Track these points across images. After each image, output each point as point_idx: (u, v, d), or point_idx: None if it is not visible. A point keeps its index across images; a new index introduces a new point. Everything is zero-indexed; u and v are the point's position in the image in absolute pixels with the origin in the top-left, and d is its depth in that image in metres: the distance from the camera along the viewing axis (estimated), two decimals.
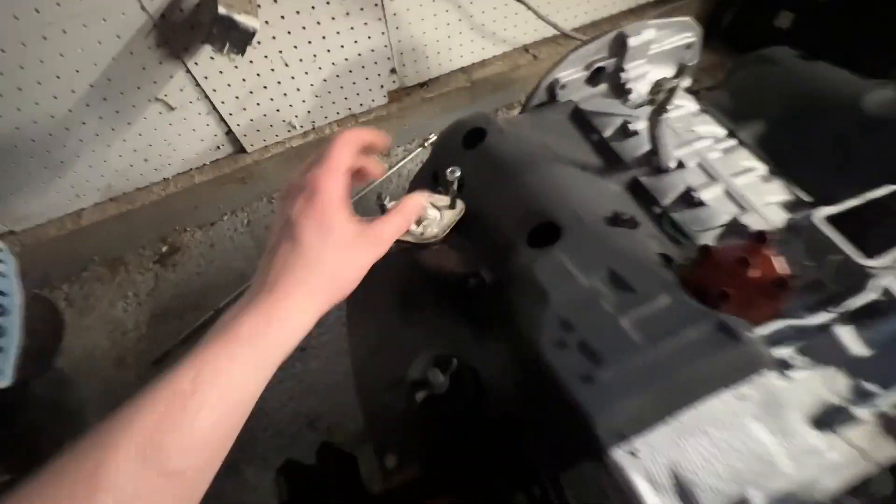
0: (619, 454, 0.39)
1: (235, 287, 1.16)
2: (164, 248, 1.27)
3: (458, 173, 0.59)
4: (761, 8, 1.41)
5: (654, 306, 0.46)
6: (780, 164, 0.78)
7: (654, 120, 0.64)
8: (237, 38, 0.83)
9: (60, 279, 1.23)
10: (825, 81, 0.77)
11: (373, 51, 1.14)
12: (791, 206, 0.71)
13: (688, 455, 0.39)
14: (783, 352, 0.44)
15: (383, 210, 0.58)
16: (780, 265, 0.47)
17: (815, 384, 0.43)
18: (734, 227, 0.67)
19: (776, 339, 0.46)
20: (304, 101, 1.17)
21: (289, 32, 1.01)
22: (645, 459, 0.39)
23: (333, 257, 0.33)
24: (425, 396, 0.49)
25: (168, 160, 1.15)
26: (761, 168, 0.75)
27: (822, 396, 0.43)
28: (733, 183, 0.71)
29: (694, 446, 0.39)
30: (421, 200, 0.44)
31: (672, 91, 0.59)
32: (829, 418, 0.42)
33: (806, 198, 0.73)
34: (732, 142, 0.79)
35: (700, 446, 0.39)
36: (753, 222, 0.64)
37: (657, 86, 0.58)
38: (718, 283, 0.48)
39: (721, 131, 0.81)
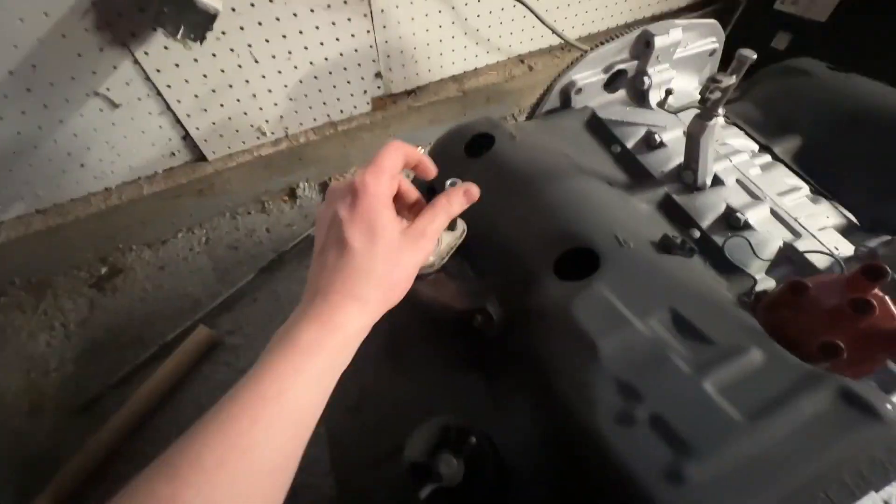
0: None
1: (188, 316, 0.99)
2: (103, 270, 1.08)
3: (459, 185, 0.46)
4: (758, 29, 1.38)
5: (746, 364, 0.34)
6: (821, 183, 0.69)
7: (700, 126, 0.54)
8: (194, 22, 0.69)
9: None
10: (866, 94, 0.69)
11: (356, 51, 1.01)
12: (844, 231, 0.62)
13: None
14: None
15: None
16: None
17: None
18: (788, 255, 0.57)
19: None
20: (275, 105, 1.03)
21: (259, 23, 0.88)
22: None
23: (383, 261, 0.32)
24: (433, 491, 0.35)
25: (111, 167, 0.98)
26: (805, 187, 0.66)
27: None
28: (781, 203, 0.61)
29: None
30: (460, 193, 0.39)
31: (727, 91, 0.49)
32: None
33: (855, 221, 0.65)
34: (767, 157, 0.70)
35: None
36: (809, 249, 0.54)
37: (711, 82, 0.48)
38: (816, 329, 0.37)
39: (753, 146, 0.72)
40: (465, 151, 0.64)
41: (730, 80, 0.48)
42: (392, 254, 0.33)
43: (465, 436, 0.37)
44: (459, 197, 0.38)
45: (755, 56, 0.46)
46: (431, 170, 0.40)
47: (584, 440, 0.34)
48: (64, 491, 0.80)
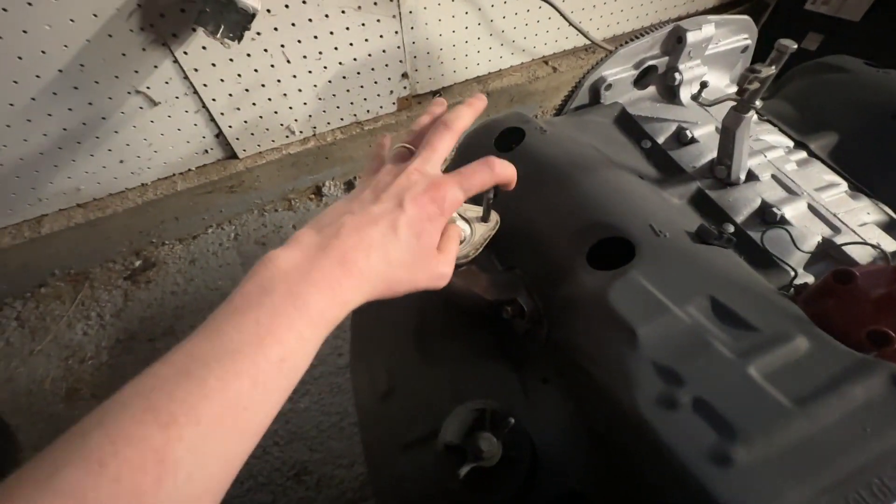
0: None
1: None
2: (137, 263, 1.12)
3: None
4: (788, 29, 1.36)
5: (791, 351, 0.34)
6: (859, 179, 0.67)
7: (736, 118, 0.53)
8: (234, 21, 0.72)
9: (12, 295, 1.07)
10: None
11: (384, 52, 1.04)
12: (886, 227, 0.60)
13: None
14: None
15: None
16: None
17: None
18: (827, 250, 0.55)
19: None
20: (305, 104, 1.06)
21: (293, 24, 0.91)
22: None
23: (411, 263, 0.30)
24: (470, 470, 0.35)
25: (147, 163, 1.02)
26: (843, 184, 0.65)
27: None
28: (819, 199, 0.60)
29: None
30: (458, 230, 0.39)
31: (766, 81, 0.48)
32: None
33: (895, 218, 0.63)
34: (803, 154, 0.69)
35: None
36: (851, 248, 0.53)
37: (750, 72, 0.47)
38: (864, 319, 0.36)
39: (788, 142, 0.71)
40: (496, 146, 0.65)
41: (769, 71, 0.47)
42: (422, 262, 0.31)
43: (502, 418, 0.38)
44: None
45: (795, 46, 0.46)
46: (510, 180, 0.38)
47: (625, 424, 0.34)
48: None
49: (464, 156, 0.69)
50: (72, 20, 0.76)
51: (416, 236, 0.30)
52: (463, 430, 0.39)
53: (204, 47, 0.87)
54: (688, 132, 0.68)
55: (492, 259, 0.58)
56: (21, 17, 0.72)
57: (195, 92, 0.94)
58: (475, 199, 0.54)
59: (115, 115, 0.91)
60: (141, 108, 0.92)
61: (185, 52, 0.86)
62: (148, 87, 0.89)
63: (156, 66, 0.87)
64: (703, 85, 0.56)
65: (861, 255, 0.52)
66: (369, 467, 0.49)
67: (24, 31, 0.74)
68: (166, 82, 0.90)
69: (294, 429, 0.87)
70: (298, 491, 0.82)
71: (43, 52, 0.77)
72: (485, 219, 0.53)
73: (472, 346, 0.55)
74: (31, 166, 0.92)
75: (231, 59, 0.91)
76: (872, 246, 0.50)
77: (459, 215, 0.54)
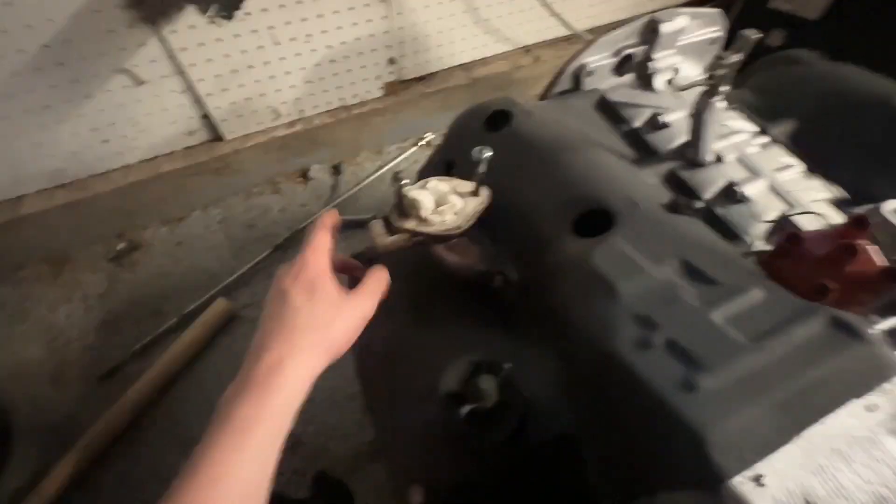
0: (742, 482, 0.30)
1: (205, 290, 1.02)
2: (121, 245, 1.11)
3: (488, 153, 0.51)
4: (753, 26, 1.44)
5: (748, 300, 0.39)
6: (814, 161, 0.74)
7: (705, 103, 0.58)
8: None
9: None
10: (855, 81, 0.75)
11: (372, 36, 1.05)
12: (836, 204, 0.67)
13: (824, 482, 0.31)
14: None
15: (399, 189, 0.48)
16: (879, 256, 0.41)
17: None
18: (784, 224, 0.62)
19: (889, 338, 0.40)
20: (292, 87, 1.07)
21: (281, 6, 0.91)
22: (773, 488, 0.30)
23: (323, 313, 0.35)
24: (470, 410, 0.39)
25: (132, 143, 1.01)
26: (800, 165, 0.71)
27: None
28: (778, 178, 0.66)
29: (830, 471, 0.31)
30: (386, 276, 0.44)
31: (733, 67, 0.54)
32: None
33: (845, 195, 0.70)
34: (766, 139, 0.76)
35: (836, 471, 0.31)
36: (803, 219, 0.59)
37: (717, 59, 0.53)
38: (810, 275, 0.42)
39: (753, 128, 0.77)
40: (485, 127, 0.68)
41: (735, 58, 0.53)
42: (332, 308, 0.35)
43: (498, 366, 0.42)
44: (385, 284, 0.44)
45: (758, 35, 0.51)
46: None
47: (608, 366, 0.38)
48: (88, 455, 0.83)
49: (454, 137, 0.72)
50: None
51: (307, 296, 0.35)
52: (462, 380, 0.43)
53: (192, 26, 0.87)
54: (661, 117, 0.73)
55: (483, 233, 0.62)
56: None
57: (182, 71, 0.93)
58: (467, 176, 0.58)
59: (99, 94, 0.90)
60: (126, 86, 0.92)
61: (174, 31, 0.86)
62: (134, 66, 0.89)
63: (142, 45, 0.87)
64: (676, 71, 0.61)
65: (813, 226, 0.58)
66: (376, 425, 0.52)
67: (8, 3, 0.73)
68: (153, 61, 0.90)
69: None
70: (293, 462, 0.85)
71: (28, 25, 0.76)
72: (476, 193, 0.57)
73: (465, 314, 0.59)
74: (11, 144, 0.90)
75: (219, 39, 0.91)
76: (818, 214, 0.56)
77: (453, 190, 0.57)
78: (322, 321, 0.35)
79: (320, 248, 0.39)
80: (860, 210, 0.57)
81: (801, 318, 0.37)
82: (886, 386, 0.34)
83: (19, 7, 0.74)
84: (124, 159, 1.04)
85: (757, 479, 0.31)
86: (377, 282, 0.41)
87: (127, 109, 0.95)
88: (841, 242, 0.40)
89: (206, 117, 1.04)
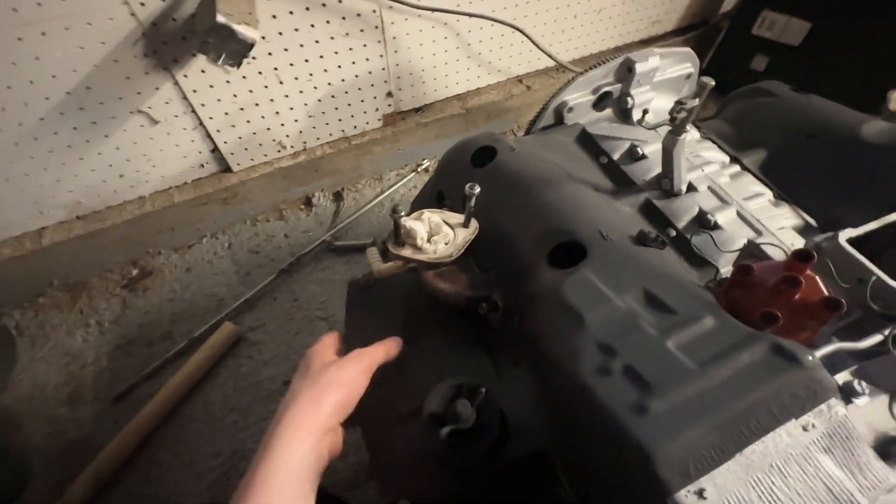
0: (685, 496, 0.34)
1: (213, 314, 1.07)
2: (135, 272, 1.17)
3: (477, 189, 0.56)
4: (737, 51, 1.50)
5: (700, 328, 0.43)
6: (783, 189, 0.78)
7: (672, 140, 0.63)
8: (234, 50, 0.79)
9: (12, 304, 1.11)
10: (822, 113, 0.79)
11: (370, 73, 1.12)
12: (801, 231, 0.71)
13: (761, 495, 0.34)
14: (842, 377, 0.41)
15: (396, 220, 0.54)
16: (823, 286, 0.45)
17: (878, 412, 0.40)
18: (751, 250, 0.66)
19: (830, 365, 0.43)
20: (296, 121, 1.14)
21: (286, 49, 0.99)
22: (714, 501, 0.34)
23: (310, 381, 0.42)
24: (450, 431, 0.43)
25: (146, 177, 1.08)
26: (768, 193, 0.75)
27: (890, 425, 0.40)
28: (747, 207, 0.70)
29: (766, 485, 0.35)
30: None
31: (692, 111, 0.59)
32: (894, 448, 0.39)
33: (812, 222, 0.74)
34: (736, 168, 0.80)
35: (773, 485, 0.35)
36: (769, 245, 0.63)
37: (678, 104, 0.58)
38: (761, 303, 0.46)
39: (724, 157, 0.82)
40: (471, 162, 0.74)
41: (693, 103, 0.58)
42: (318, 375, 0.42)
43: (475, 389, 0.46)
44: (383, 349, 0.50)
45: (713, 83, 0.56)
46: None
47: (572, 389, 0.42)
48: (103, 472, 0.88)
49: (444, 171, 0.78)
50: (81, 47, 0.82)
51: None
52: (444, 402, 0.47)
53: (203, 70, 0.94)
54: (639, 149, 0.78)
55: (470, 261, 0.67)
56: (34, 45, 0.78)
57: (193, 111, 1.00)
58: (458, 208, 0.63)
59: (117, 133, 0.97)
60: (142, 126, 0.99)
61: (185, 76, 0.93)
62: (149, 108, 0.96)
63: (157, 88, 0.94)
64: (645, 111, 0.66)
65: (776, 253, 0.62)
66: (367, 443, 0.56)
67: (37, 58, 0.80)
68: (166, 102, 0.97)
69: None
70: None
71: (53, 76, 0.83)
72: (466, 224, 0.62)
73: (452, 338, 0.64)
74: (35, 181, 0.97)
75: (228, 81, 0.98)
76: (782, 248, 0.60)
77: (444, 221, 0.63)
78: (307, 389, 0.41)
79: (324, 343, 0.49)
80: (820, 238, 0.62)
81: (746, 345, 0.41)
82: (822, 408, 0.38)
83: (46, 61, 0.81)
84: (138, 191, 1.10)
85: (700, 493, 0.34)
86: (365, 355, 0.47)
87: (142, 146, 1.01)
88: (784, 275, 0.44)
89: (215, 151, 1.11)
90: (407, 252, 0.58)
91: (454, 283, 0.64)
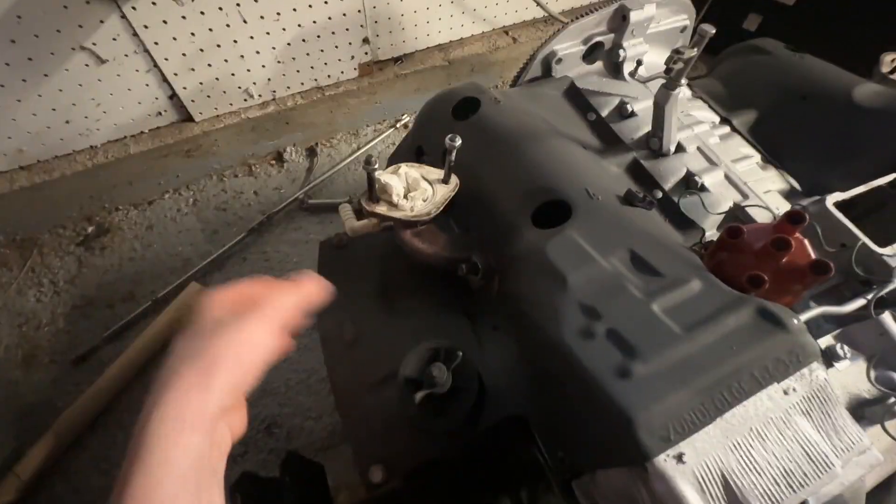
0: (664, 460, 0.33)
1: (179, 273, 1.01)
2: (90, 229, 1.09)
3: (458, 141, 0.51)
4: (731, 11, 1.44)
5: (687, 291, 0.41)
6: (771, 152, 0.77)
7: (665, 95, 0.60)
8: None
9: None
10: (815, 74, 0.76)
11: (345, 15, 1.03)
12: (787, 195, 0.70)
13: (739, 458, 0.34)
14: (823, 341, 0.41)
15: (371, 174, 0.49)
16: (811, 249, 0.44)
17: (857, 375, 0.40)
18: (736, 213, 0.64)
19: (813, 328, 0.43)
20: (263, 67, 1.04)
21: None
22: (693, 465, 0.33)
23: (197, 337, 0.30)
24: (424, 396, 0.41)
25: (96, 124, 0.98)
26: (756, 156, 0.74)
27: (864, 388, 0.40)
28: (734, 169, 0.68)
29: (745, 448, 0.34)
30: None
31: (689, 61, 0.55)
32: (871, 411, 0.40)
33: (797, 186, 0.73)
34: (726, 129, 0.78)
35: (751, 448, 0.34)
36: (755, 209, 0.62)
37: (675, 54, 0.54)
38: (748, 266, 0.44)
39: (715, 118, 0.79)
40: (453, 114, 0.69)
41: (691, 53, 0.54)
42: (205, 343, 0.30)
43: (453, 353, 0.44)
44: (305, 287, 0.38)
45: (714, 31, 0.52)
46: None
47: (554, 352, 0.40)
48: (64, 436, 0.84)
49: (423, 123, 0.72)
50: None
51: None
52: (420, 366, 0.45)
53: (154, 2, 0.84)
54: (629, 106, 0.74)
55: (449, 220, 0.63)
56: None
57: (146, 50, 0.90)
58: (438, 163, 0.59)
59: (58, 73, 0.87)
60: (87, 65, 0.88)
61: (134, 8, 0.83)
62: (94, 44, 0.86)
63: (102, 21, 0.83)
64: (639, 63, 0.62)
65: (762, 216, 0.61)
66: (340, 408, 0.54)
67: None
68: (114, 39, 0.87)
69: (264, 385, 0.91)
70: (269, 442, 0.87)
71: None
72: (445, 180, 0.58)
73: (431, 300, 0.61)
74: None
75: (183, 17, 0.88)
76: (766, 207, 0.58)
77: (422, 177, 0.58)
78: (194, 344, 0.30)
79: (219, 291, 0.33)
80: (807, 202, 0.60)
81: (732, 309, 0.39)
82: (804, 371, 0.37)
83: None
84: (89, 140, 1.01)
85: (679, 457, 0.33)
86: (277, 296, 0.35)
87: (88, 89, 0.92)
88: (774, 237, 0.42)
89: (173, 97, 1.02)
90: (382, 209, 0.54)
91: (432, 242, 0.61)
